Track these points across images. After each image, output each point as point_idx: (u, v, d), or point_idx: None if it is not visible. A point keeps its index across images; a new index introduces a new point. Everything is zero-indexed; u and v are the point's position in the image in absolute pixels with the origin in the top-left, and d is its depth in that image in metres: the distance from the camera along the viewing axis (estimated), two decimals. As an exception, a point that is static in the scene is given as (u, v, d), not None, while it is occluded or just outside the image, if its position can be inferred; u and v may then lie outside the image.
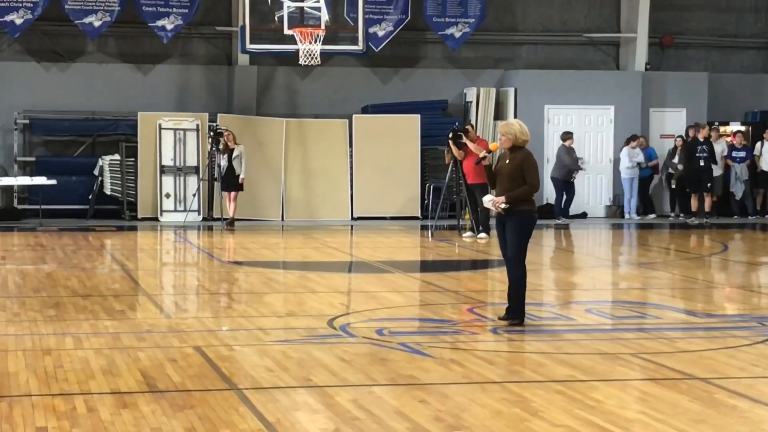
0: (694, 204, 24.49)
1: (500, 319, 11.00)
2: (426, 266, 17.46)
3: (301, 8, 21.89)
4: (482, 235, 20.03)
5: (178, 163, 24.16)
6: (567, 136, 24.38)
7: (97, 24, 24.07)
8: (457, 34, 25.63)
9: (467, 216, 21.13)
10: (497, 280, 14.30)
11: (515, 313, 10.84)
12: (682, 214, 25.12)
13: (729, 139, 26.14)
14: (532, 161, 10.92)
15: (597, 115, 25.95)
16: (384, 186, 24.58)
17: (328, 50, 22.46)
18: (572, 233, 22.80)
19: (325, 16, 21.84)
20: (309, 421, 7.20)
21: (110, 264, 16.83)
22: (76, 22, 24.04)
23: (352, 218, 24.58)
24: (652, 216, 25.73)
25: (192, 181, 24.09)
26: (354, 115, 25.05)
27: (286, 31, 21.78)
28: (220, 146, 22.47)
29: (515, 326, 10.74)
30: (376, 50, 25.18)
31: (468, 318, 11.51)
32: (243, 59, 25.05)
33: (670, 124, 26.41)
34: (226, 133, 22.45)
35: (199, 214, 23.99)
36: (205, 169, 23.88)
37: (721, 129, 26.33)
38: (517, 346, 10.05)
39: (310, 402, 7.76)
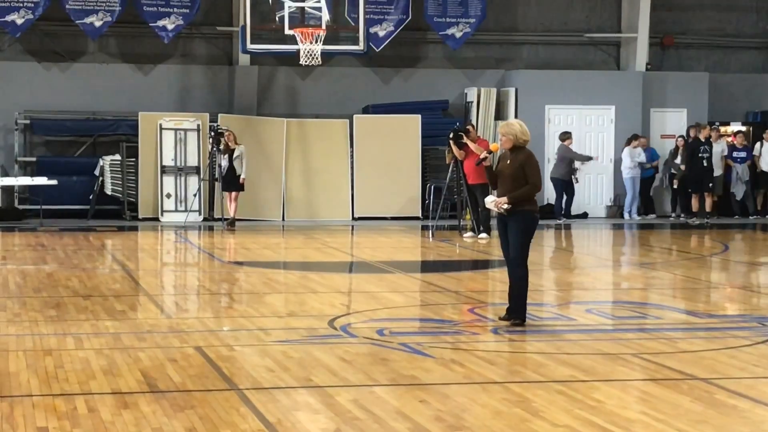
0: (694, 204, 24.49)
1: (501, 319, 11.00)
2: (427, 266, 17.46)
3: (302, 8, 21.90)
4: (483, 235, 20.03)
5: (178, 163, 24.16)
6: (566, 136, 24.37)
7: (97, 24, 24.08)
8: (458, 34, 25.63)
9: (468, 216, 21.13)
10: (498, 280, 14.29)
11: (517, 313, 10.84)
12: (683, 215, 25.11)
13: (730, 139, 26.14)
14: (533, 161, 10.92)
15: (597, 115, 25.95)
16: (385, 186, 24.58)
17: (329, 50, 22.47)
18: (573, 233, 22.80)
19: (325, 16, 21.84)
20: (310, 422, 7.20)
21: (111, 264, 16.84)
22: (76, 22, 24.04)
23: (353, 218, 24.59)
24: (653, 216, 25.75)
25: (193, 181, 24.09)
26: (355, 115, 25.05)
27: (287, 31, 21.79)
28: (221, 146, 22.47)
29: (516, 326, 10.74)
30: (377, 50, 25.19)
31: (469, 318, 11.51)
32: (244, 59, 25.06)
33: (671, 124, 26.42)
34: (226, 133, 22.45)
35: (199, 214, 23.99)
36: (206, 169, 23.89)
37: (722, 129, 26.34)
38: (518, 347, 10.05)
39: (311, 402, 7.76)
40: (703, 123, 25.08)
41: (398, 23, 25.33)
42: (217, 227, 22.71)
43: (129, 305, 12.37)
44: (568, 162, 24.19)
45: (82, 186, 24.01)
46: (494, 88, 25.85)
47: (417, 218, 24.60)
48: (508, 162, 10.89)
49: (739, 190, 25.78)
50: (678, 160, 25.11)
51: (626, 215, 25.44)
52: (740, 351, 9.72)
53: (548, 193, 24.73)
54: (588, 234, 23.02)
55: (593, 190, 25.93)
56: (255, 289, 13.92)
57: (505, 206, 10.74)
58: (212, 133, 22.78)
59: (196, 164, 24.19)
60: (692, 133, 25.00)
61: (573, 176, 24.30)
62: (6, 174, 24.17)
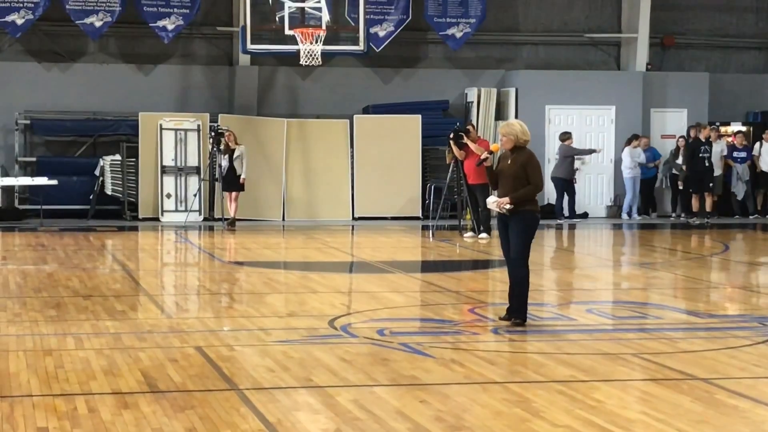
0: (695, 204, 24.49)
1: (501, 319, 11.00)
2: (427, 266, 17.45)
3: (302, 8, 21.90)
4: (483, 235, 20.03)
5: (179, 164, 24.17)
6: (566, 136, 24.36)
7: (98, 24, 24.08)
8: (458, 35, 25.63)
9: (468, 216, 21.13)
10: (498, 280, 14.29)
11: (517, 314, 10.84)
12: (683, 214, 25.11)
13: (730, 139, 26.15)
14: (535, 161, 10.92)
15: (598, 115, 25.95)
16: (385, 186, 24.58)
17: (329, 50, 22.47)
18: (573, 233, 22.80)
19: (325, 16, 21.84)
20: (310, 422, 7.20)
21: (111, 264, 16.84)
22: (77, 22, 24.05)
23: (353, 218, 24.59)
24: (654, 215, 25.75)
25: (193, 182, 24.10)
26: (355, 116, 25.06)
27: (287, 32, 21.79)
28: (221, 146, 22.47)
29: (517, 326, 10.74)
30: (377, 50, 25.19)
31: (469, 318, 11.51)
32: (244, 59, 25.07)
33: (671, 124, 26.42)
34: (227, 134, 22.45)
35: (200, 214, 24.00)
36: (206, 169, 23.89)
37: (722, 129, 26.34)
38: (518, 347, 10.05)
39: (311, 402, 7.76)
40: (703, 123, 25.08)
41: (398, 23, 25.33)
42: (217, 227, 22.71)
43: (129, 305, 12.37)
44: (571, 161, 24.19)
45: (82, 186, 24.01)
46: (494, 88, 25.85)
47: (417, 218, 24.60)
48: (509, 162, 10.89)
49: (739, 190, 25.78)
50: (680, 161, 25.10)
51: (625, 215, 25.44)
52: (741, 351, 9.72)
53: (548, 194, 24.71)
54: (588, 234, 23.02)
55: (593, 190, 25.93)
56: (255, 289, 13.92)
57: (508, 206, 10.74)
58: (212, 134, 22.79)
59: (196, 164, 24.19)
60: (692, 133, 25.00)
61: (574, 176, 24.31)
62: (6, 174, 24.17)
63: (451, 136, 20.17)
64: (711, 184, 24.44)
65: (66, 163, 24.45)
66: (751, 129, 26.76)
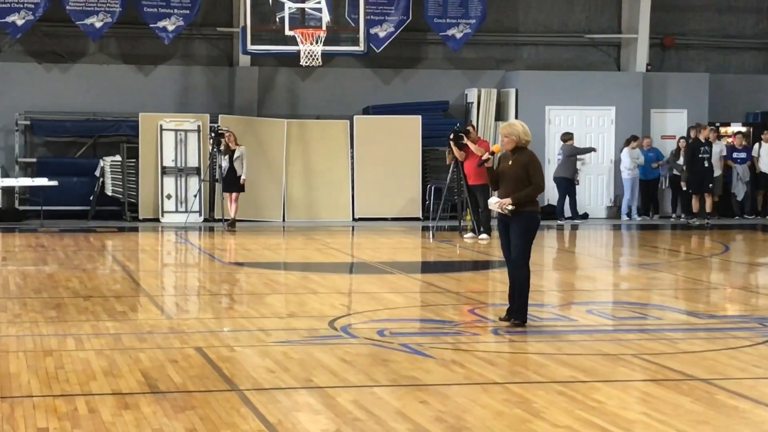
0: (695, 205, 24.48)
1: (501, 320, 11.00)
2: (427, 267, 17.45)
3: (302, 9, 21.89)
4: (483, 236, 20.03)
5: (179, 164, 24.17)
6: (568, 136, 24.39)
7: (98, 25, 24.08)
8: (458, 35, 25.63)
9: (468, 217, 21.13)
10: (498, 281, 14.30)
11: (518, 315, 10.84)
12: (683, 215, 25.12)
13: (730, 140, 26.15)
14: (537, 162, 10.92)
15: (598, 115, 25.96)
16: (385, 187, 24.59)
17: (329, 51, 22.46)
18: (573, 234, 22.80)
19: (326, 17, 21.84)
20: (310, 422, 7.20)
21: (111, 265, 16.84)
22: (77, 23, 24.05)
23: (353, 219, 24.59)
24: (656, 217, 25.75)
25: (193, 182, 24.10)
26: (355, 116, 25.06)
27: (287, 32, 21.78)
28: (222, 147, 22.47)
29: (517, 327, 10.74)
30: (377, 51, 25.19)
31: (469, 319, 11.51)
32: (244, 60, 25.07)
33: (671, 124, 26.43)
34: (227, 134, 22.45)
35: (200, 215, 24.00)
36: (207, 170, 23.89)
37: (722, 130, 26.35)
38: (519, 347, 10.05)
39: (312, 403, 7.76)
40: (703, 124, 25.08)
41: (398, 24, 25.34)
42: (217, 228, 22.71)
43: (129, 306, 12.37)
44: (574, 161, 24.22)
45: (82, 187, 24.01)
46: (494, 88, 25.86)
47: (417, 219, 24.61)
48: (510, 163, 10.88)
49: (739, 191, 25.78)
50: (680, 161, 25.09)
51: (624, 216, 25.44)
52: (741, 351, 9.72)
53: (549, 194, 24.71)
54: (589, 235, 23.02)
55: (593, 191, 25.94)
56: (255, 289, 13.92)
57: (510, 207, 10.73)
58: (213, 134, 22.79)
59: (196, 165, 24.20)
60: (692, 134, 25.00)
61: (577, 176, 24.34)
62: (6, 175, 24.16)
63: (451, 136, 20.17)
64: (711, 185, 24.43)
65: (66, 163, 24.45)
66: (751, 130, 26.76)
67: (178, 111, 24.95)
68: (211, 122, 24.11)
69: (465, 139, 20.02)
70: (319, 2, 21.95)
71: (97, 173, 24.02)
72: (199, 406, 7.56)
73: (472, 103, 25.71)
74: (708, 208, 24.50)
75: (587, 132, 25.73)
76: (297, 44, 21.60)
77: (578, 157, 24.56)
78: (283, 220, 24.38)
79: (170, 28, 24.47)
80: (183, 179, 24.16)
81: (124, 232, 22.21)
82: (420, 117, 25.09)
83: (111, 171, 24.04)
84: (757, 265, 17.63)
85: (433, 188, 24.34)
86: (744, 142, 25.91)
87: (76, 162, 24.62)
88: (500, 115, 25.62)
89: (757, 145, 25.91)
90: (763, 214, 25.93)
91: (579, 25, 27.15)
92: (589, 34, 27.10)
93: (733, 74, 27.74)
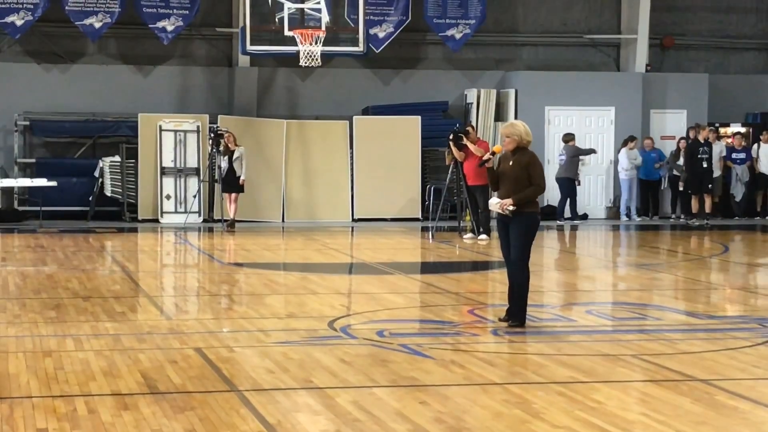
0: (694, 205, 24.48)
1: (501, 320, 11.00)
2: (426, 268, 17.45)
3: (302, 9, 21.89)
4: (483, 236, 20.03)
5: (178, 165, 24.16)
6: (569, 137, 24.40)
7: (97, 25, 24.08)
8: (458, 36, 25.63)
9: (468, 217, 21.13)
10: (498, 281, 14.29)
11: (516, 317, 10.82)
12: (683, 216, 25.12)
13: (729, 140, 26.14)
14: (538, 163, 10.92)
15: (598, 116, 25.96)
16: (384, 187, 24.58)
17: (329, 51, 22.46)
18: (573, 234, 22.80)
19: (325, 17, 21.84)
20: (310, 423, 7.19)
21: (111, 265, 16.83)
22: (76, 23, 24.04)
23: (353, 220, 24.59)
24: (656, 217, 25.75)
25: (192, 183, 24.09)
26: (354, 117, 25.06)
27: (287, 33, 21.78)
28: (221, 148, 22.47)
29: (516, 328, 10.73)
30: (377, 51, 25.18)
31: (469, 319, 11.51)
32: (243, 60, 25.07)
33: (671, 125, 26.43)
34: (226, 135, 22.45)
35: (199, 215, 23.99)
36: (206, 170, 23.89)
37: (722, 130, 26.34)
38: (518, 348, 10.04)
39: (311, 403, 7.76)
40: (702, 124, 25.08)
41: (398, 24, 25.33)
42: (216, 228, 22.71)
43: (129, 306, 12.37)
44: (577, 161, 24.23)
45: (81, 187, 24.00)
46: (494, 89, 25.85)
47: (417, 219, 24.60)
48: (511, 163, 10.86)
49: (738, 192, 25.78)
50: (681, 162, 25.08)
51: (623, 216, 25.44)
52: (740, 352, 9.72)
53: (548, 195, 24.70)
54: (588, 235, 23.02)
55: (593, 192, 25.94)
56: (255, 290, 13.91)
57: (510, 208, 10.72)
58: (212, 135, 22.78)
59: (195, 165, 24.19)
60: (691, 135, 25.01)
61: (578, 177, 24.36)
62: (6, 175, 24.16)
63: (451, 137, 20.17)
64: (710, 186, 24.43)
65: (65, 164, 24.44)
66: (751, 130, 26.76)
67: (177, 111, 24.94)
68: (210, 123, 24.11)
69: (464, 139, 20.01)
70: (318, 3, 21.95)
71: (97, 174, 24.01)
72: (198, 406, 7.56)
73: (471, 103, 25.70)
74: (707, 208, 24.50)
75: (587, 132, 25.73)
76: (296, 45, 21.59)
77: (579, 157, 24.57)
78: (283, 220, 24.38)
79: (169, 28, 24.46)
80: (182, 180, 24.16)
81: (123, 232, 22.21)
82: (419, 117, 25.09)
83: (110, 171, 24.03)
84: (757, 265, 17.62)
85: (432, 189, 24.34)
86: (743, 143, 25.90)
87: (76, 162, 24.61)
88: (500, 115, 25.62)
89: (756, 145, 25.90)
90: (762, 214, 25.92)
91: (578, 26, 27.15)
92: (589, 34, 27.10)
93: (733, 75, 27.74)
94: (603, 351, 9.68)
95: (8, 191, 24.06)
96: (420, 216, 24.73)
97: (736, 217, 25.69)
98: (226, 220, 22.56)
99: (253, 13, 22.63)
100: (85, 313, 11.62)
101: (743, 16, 27.96)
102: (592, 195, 25.94)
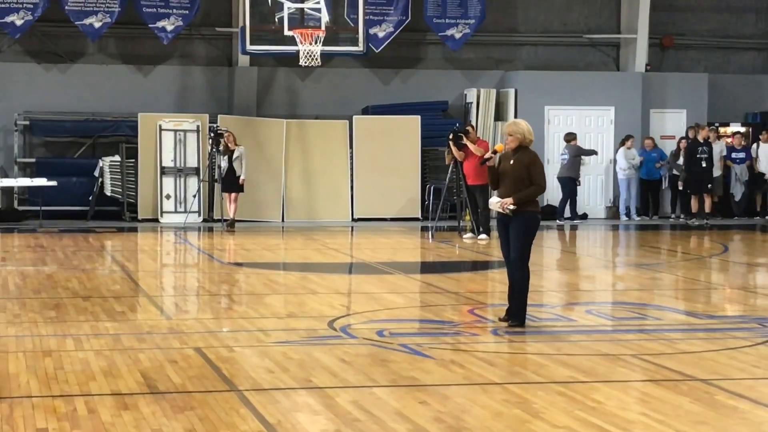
0: (694, 205, 24.48)
1: (500, 320, 10.99)
2: (426, 267, 17.45)
3: (302, 9, 21.90)
4: (483, 236, 20.03)
5: (178, 165, 24.16)
6: (571, 136, 24.40)
7: (97, 25, 24.08)
8: (458, 35, 25.63)
9: (468, 217, 21.13)
10: (498, 281, 14.29)
11: (516, 317, 10.82)
12: (682, 215, 25.12)
13: (729, 140, 26.14)
14: (539, 162, 10.91)
15: (597, 116, 25.96)
16: (384, 187, 24.58)
17: (329, 51, 22.46)
18: (572, 234, 22.80)
19: (325, 17, 21.85)
20: (310, 423, 7.20)
21: (110, 265, 16.83)
22: (76, 23, 24.04)
23: (353, 219, 24.59)
24: (655, 217, 25.75)
25: (192, 183, 24.09)
26: (354, 116, 25.06)
27: (287, 32, 21.79)
28: (221, 147, 22.47)
29: (515, 327, 10.73)
30: (377, 51, 25.19)
31: (468, 319, 11.51)
32: (243, 60, 25.07)
33: (671, 125, 26.43)
34: (226, 135, 22.45)
35: (199, 215, 23.99)
36: (206, 170, 23.88)
37: (721, 130, 26.34)
38: (518, 348, 10.05)
39: (311, 403, 7.76)
40: (701, 124, 25.08)
41: (398, 24, 25.33)
42: (216, 228, 22.71)
43: (129, 306, 12.37)
44: (579, 161, 24.24)
45: (81, 187, 24.01)
46: (494, 89, 25.85)
47: (417, 219, 24.60)
48: (511, 162, 10.85)
49: (738, 191, 25.78)
50: (681, 162, 25.08)
51: (623, 216, 25.44)
52: (740, 352, 9.72)
53: (549, 194, 24.68)
54: (588, 235, 23.02)
55: (593, 191, 25.94)
56: (255, 290, 13.92)
57: (511, 207, 10.71)
58: (212, 134, 22.78)
59: (195, 165, 24.19)
60: (690, 134, 25.01)
61: (580, 176, 24.37)
62: (5, 175, 24.16)
63: (451, 136, 20.17)
64: (710, 185, 24.43)
65: (65, 164, 24.44)
66: (750, 130, 26.76)
67: (177, 111, 24.94)
68: (210, 122, 24.11)
69: (464, 139, 20.01)
70: (318, 2, 21.96)
71: (96, 173, 24.01)
72: (198, 406, 7.56)
73: (471, 103, 25.70)
74: (707, 208, 24.50)
75: (586, 132, 25.72)
76: (296, 44, 21.60)
77: (581, 157, 24.56)
78: (282, 220, 24.37)
79: (169, 28, 24.46)
80: (182, 179, 24.16)
81: (123, 232, 22.21)
82: (419, 117, 25.09)
83: (110, 171, 24.03)
84: (756, 265, 17.63)
85: (432, 188, 24.33)
86: (743, 142, 25.90)
87: (75, 162, 24.61)
88: (499, 115, 25.62)
89: (755, 145, 25.90)
90: (762, 214, 25.91)
91: (578, 25, 27.15)
92: (589, 34, 27.10)
93: (732, 74, 27.74)
94: (603, 351, 9.68)
95: (8, 191, 24.06)
96: (420, 216, 24.72)
97: (736, 217, 25.69)
98: (225, 220, 22.56)
99: (253, 12, 22.63)
100: (85, 313, 11.62)
101: (743, 16, 27.96)
102: (592, 195, 25.94)
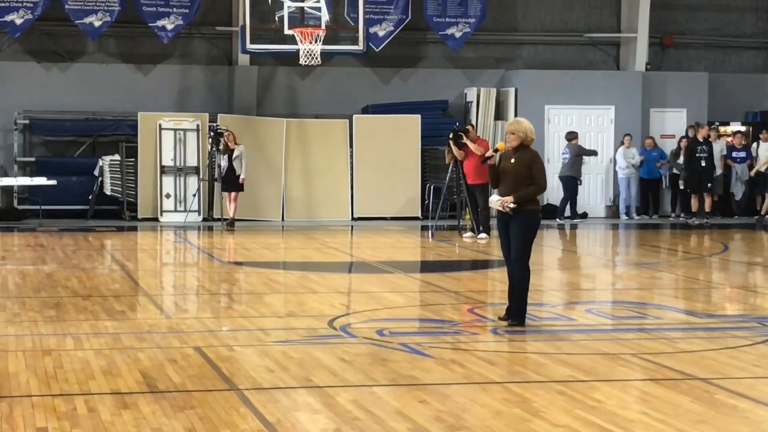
0: (694, 204, 24.48)
1: (500, 319, 10.99)
2: (426, 266, 17.45)
3: (302, 8, 21.90)
4: (483, 235, 20.02)
5: (178, 164, 24.16)
6: (573, 135, 24.40)
7: (97, 24, 24.08)
8: (458, 34, 25.63)
9: (468, 216, 21.12)
10: (498, 280, 14.29)
11: (515, 316, 10.81)
12: (683, 214, 25.12)
13: (729, 139, 26.14)
14: (540, 161, 10.91)
15: (597, 115, 25.96)
16: (384, 186, 24.58)
17: (329, 50, 22.47)
18: (572, 233, 22.80)
19: (325, 16, 21.85)
20: (309, 422, 7.19)
21: (110, 264, 16.83)
22: (76, 22, 24.04)
23: (353, 218, 24.59)
24: (655, 216, 25.75)
25: (192, 182, 24.09)
26: (354, 115, 25.05)
27: (287, 31, 21.79)
28: (221, 146, 22.47)
29: (515, 327, 10.73)
30: (377, 50, 25.19)
31: (468, 318, 11.51)
32: (243, 59, 25.06)
33: (671, 124, 26.43)
34: (226, 134, 22.44)
35: (199, 214, 23.99)
36: (206, 169, 23.88)
37: (722, 129, 26.33)
38: (518, 347, 10.04)
39: (311, 402, 7.76)
40: (702, 123, 25.07)
41: (398, 23, 25.33)
42: (216, 227, 22.70)
43: (128, 305, 12.37)
44: (581, 160, 24.24)
45: (81, 186, 24.01)
46: (494, 88, 25.85)
47: (417, 218, 24.60)
48: (512, 161, 10.84)
49: (738, 191, 25.78)
50: (681, 161, 25.08)
51: (622, 215, 25.44)
52: (740, 351, 9.72)
53: (549, 193, 24.68)
54: (588, 234, 23.01)
55: (593, 191, 25.94)
56: (254, 289, 13.91)
57: (512, 206, 10.70)
58: (212, 133, 22.78)
59: (195, 164, 24.19)
60: (690, 133, 25.01)
61: (580, 176, 24.37)
62: (5, 174, 24.16)
63: (451, 136, 20.17)
64: (709, 184, 24.42)
65: (65, 163, 24.44)
66: (751, 129, 26.76)
67: (177, 110, 24.95)
68: (210, 121, 24.11)
69: (464, 138, 20.01)
70: (318, 1, 21.96)
71: (96, 172, 24.01)
72: (198, 405, 7.56)
73: (471, 102, 25.70)
74: (707, 207, 24.49)
75: (587, 131, 25.72)
76: (296, 43, 21.60)
77: (578, 154, 24.55)
78: (282, 219, 24.37)
79: (169, 27, 24.46)
80: (182, 178, 24.16)
81: (123, 231, 22.21)
82: (419, 116, 25.08)
83: (110, 170, 24.03)
84: (756, 264, 17.62)
85: (432, 187, 24.33)
86: (743, 142, 25.89)
87: (75, 161, 24.61)
88: (499, 114, 25.62)
89: (755, 144, 25.89)
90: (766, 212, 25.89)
91: (578, 25, 27.15)
92: (589, 33, 27.10)
93: (733, 73, 27.73)
94: (603, 350, 9.68)
95: (8, 190, 24.06)
96: (420, 215, 24.72)
97: (736, 216, 25.68)
98: (225, 219, 22.56)
99: (253, 11, 22.63)
100: (85, 312, 11.62)
101: (743, 15, 27.96)
102: (592, 194, 25.94)
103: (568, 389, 8.08)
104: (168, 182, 24.11)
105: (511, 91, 25.62)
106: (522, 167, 10.76)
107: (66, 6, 23.93)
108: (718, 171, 25.09)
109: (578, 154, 24.17)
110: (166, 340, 10.06)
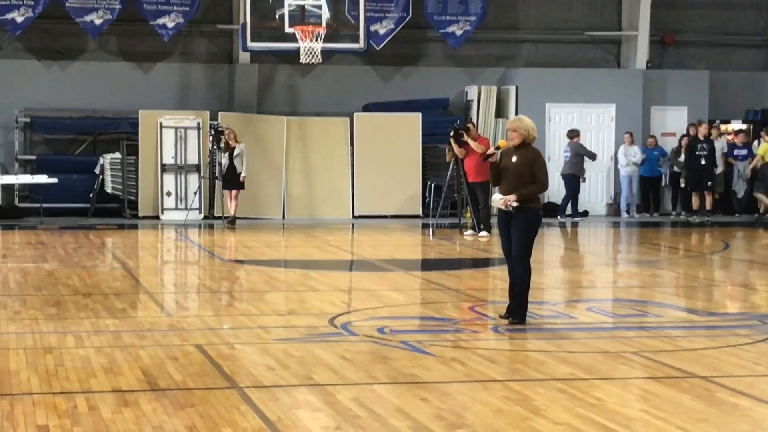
0: (695, 202, 24.48)
1: (501, 317, 10.99)
2: (427, 264, 17.45)
3: (302, 6, 21.87)
4: (483, 233, 20.03)
5: (179, 162, 24.16)
6: (574, 133, 24.40)
7: (98, 22, 24.08)
8: (458, 32, 25.62)
9: (468, 214, 21.12)
10: (498, 278, 14.29)
11: (516, 314, 10.81)
12: (683, 213, 25.11)
13: (730, 137, 26.13)
14: (542, 160, 10.90)
15: (598, 113, 25.95)
16: (385, 184, 24.58)
17: (329, 48, 22.45)
18: (573, 231, 22.79)
19: (326, 14, 21.82)
20: (310, 420, 7.19)
21: (111, 262, 16.83)
22: (77, 20, 24.05)
23: (353, 216, 24.58)
24: (656, 214, 25.74)
25: (193, 180, 24.09)
26: (355, 113, 25.05)
27: (287, 29, 21.77)
28: (221, 144, 22.47)
29: (516, 325, 10.73)
30: (377, 48, 25.19)
31: (469, 316, 11.50)
32: (244, 57, 25.06)
33: (672, 122, 26.42)
34: (227, 132, 22.44)
35: (200, 212, 24.00)
36: (206, 167, 23.88)
37: (723, 127, 26.32)
38: (519, 345, 10.04)
39: (312, 400, 7.76)
40: (703, 121, 25.05)
41: (399, 21, 25.33)
42: (217, 225, 22.71)
43: (129, 303, 12.37)
44: (582, 158, 24.24)
45: (82, 184, 24.01)
46: (495, 86, 25.84)
47: (417, 216, 24.60)
48: (514, 159, 10.83)
49: (740, 189, 25.76)
50: (682, 159, 25.07)
51: (624, 213, 25.44)
52: (741, 349, 9.72)
53: (550, 191, 24.67)
54: (589, 232, 23.01)
55: (594, 189, 25.93)
56: (255, 287, 13.92)
57: (515, 204, 10.69)
58: (212, 132, 22.78)
59: (196, 162, 24.19)
60: (691, 131, 25.00)
61: (583, 174, 24.36)
62: (6, 172, 24.16)
63: (451, 134, 20.16)
64: (710, 183, 24.41)
65: (66, 161, 24.44)
66: (752, 127, 26.75)
67: (177, 108, 24.94)
68: (210, 119, 24.11)
69: (465, 136, 20.01)
70: (319, -1, 21.94)
71: (97, 170, 24.01)
72: (199, 403, 7.56)
73: (472, 100, 25.69)
74: (708, 205, 24.49)
75: (587, 129, 25.72)
76: (297, 41, 21.59)
77: (580, 153, 24.55)
78: (283, 217, 24.38)
79: (170, 25, 24.46)
80: (183, 176, 24.16)
81: (123, 229, 22.21)
82: (420, 114, 25.08)
83: (111, 168, 24.03)
84: (757, 262, 17.61)
85: (433, 185, 24.33)
86: (745, 140, 25.88)
87: (76, 159, 24.62)
88: (500, 112, 25.61)
89: (757, 142, 25.88)
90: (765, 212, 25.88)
91: (579, 22, 27.14)
92: (590, 31, 27.09)
93: (734, 71, 27.73)
94: (603, 348, 9.68)
95: (9, 188, 24.06)
96: (420, 213, 24.72)
97: (737, 214, 25.67)
98: (226, 217, 22.56)
99: (254, 9, 22.62)
100: (86, 310, 11.62)
101: (744, 13, 27.95)
102: (593, 192, 25.93)
103: (569, 387, 8.08)
104: (169, 180, 24.12)
105: (512, 89, 25.60)
106: (524, 165, 10.76)
107: (67, 4, 23.93)
108: (719, 169, 25.08)
109: (578, 153, 24.16)
110: (166, 338, 10.06)
